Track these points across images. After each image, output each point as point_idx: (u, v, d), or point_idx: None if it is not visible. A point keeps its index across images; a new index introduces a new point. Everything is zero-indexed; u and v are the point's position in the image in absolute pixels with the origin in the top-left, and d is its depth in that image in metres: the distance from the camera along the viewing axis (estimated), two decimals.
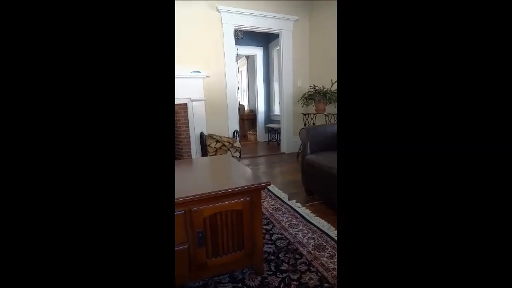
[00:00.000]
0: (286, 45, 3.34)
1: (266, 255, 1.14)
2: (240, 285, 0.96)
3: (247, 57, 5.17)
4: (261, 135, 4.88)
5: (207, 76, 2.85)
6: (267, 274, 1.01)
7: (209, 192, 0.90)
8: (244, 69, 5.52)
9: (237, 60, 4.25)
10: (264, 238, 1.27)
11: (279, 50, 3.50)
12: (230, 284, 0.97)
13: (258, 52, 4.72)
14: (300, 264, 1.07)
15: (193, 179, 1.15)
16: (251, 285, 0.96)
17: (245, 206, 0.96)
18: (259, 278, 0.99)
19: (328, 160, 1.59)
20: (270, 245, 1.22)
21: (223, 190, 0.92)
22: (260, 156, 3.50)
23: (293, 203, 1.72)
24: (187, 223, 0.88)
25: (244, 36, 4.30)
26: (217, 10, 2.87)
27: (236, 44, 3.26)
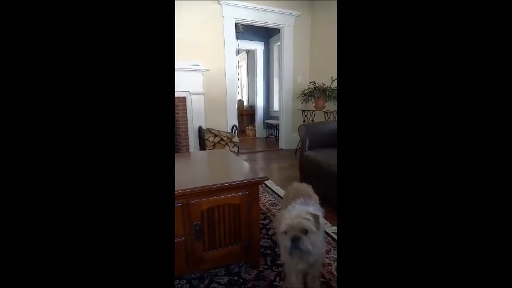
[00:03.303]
0: (287, 41, 3.31)
1: (263, 249, 1.14)
2: (236, 278, 0.97)
3: (248, 52, 5.13)
4: (260, 131, 4.87)
5: (206, 70, 2.82)
6: (263, 268, 1.02)
7: (207, 186, 0.90)
8: (244, 64, 5.48)
9: (237, 55, 4.21)
10: (260, 233, 1.28)
11: (279, 46, 3.47)
12: (226, 276, 0.98)
13: (258, 47, 4.68)
14: None
15: (191, 172, 1.14)
16: (247, 278, 0.97)
17: (243, 200, 0.96)
18: (255, 272, 1.00)
19: (327, 157, 1.60)
20: (266, 240, 1.23)
21: (221, 184, 0.92)
22: (258, 151, 3.50)
23: None
24: (185, 216, 0.88)
25: (245, 31, 4.26)
26: (219, 3, 2.83)
27: (236, 38, 3.22)
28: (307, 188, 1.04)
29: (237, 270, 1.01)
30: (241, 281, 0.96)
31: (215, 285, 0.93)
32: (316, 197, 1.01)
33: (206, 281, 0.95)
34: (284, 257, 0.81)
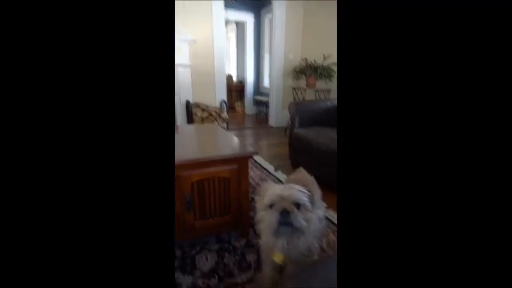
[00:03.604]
0: (279, 14, 3.15)
1: (252, 220, 1.19)
2: (226, 245, 1.02)
3: (237, 23, 4.86)
4: (249, 107, 4.81)
5: (193, 40, 2.66)
6: (252, 237, 1.07)
7: (197, 158, 0.90)
8: (233, 36, 5.21)
9: (226, 26, 3.97)
10: (250, 205, 1.32)
11: (271, 19, 3.30)
12: (217, 244, 1.02)
13: (248, 19, 4.43)
14: None
15: (181, 145, 1.13)
16: (237, 246, 1.02)
17: (232, 174, 0.97)
18: (245, 240, 1.05)
19: (317, 135, 1.62)
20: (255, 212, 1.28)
21: (211, 157, 0.92)
22: (247, 128, 3.49)
23: (279, 174, 1.78)
24: (176, 187, 0.89)
25: (235, 0, 3.98)
26: None
27: (226, 7, 3.01)
28: (309, 179, 0.84)
29: (227, 239, 1.06)
30: (231, 248, 1.00)
31: (206, 251, 0.98)
32: (319, 192, 0.78)
33: (197, 248, 0.99)
34: (264, 237, 0.63)
